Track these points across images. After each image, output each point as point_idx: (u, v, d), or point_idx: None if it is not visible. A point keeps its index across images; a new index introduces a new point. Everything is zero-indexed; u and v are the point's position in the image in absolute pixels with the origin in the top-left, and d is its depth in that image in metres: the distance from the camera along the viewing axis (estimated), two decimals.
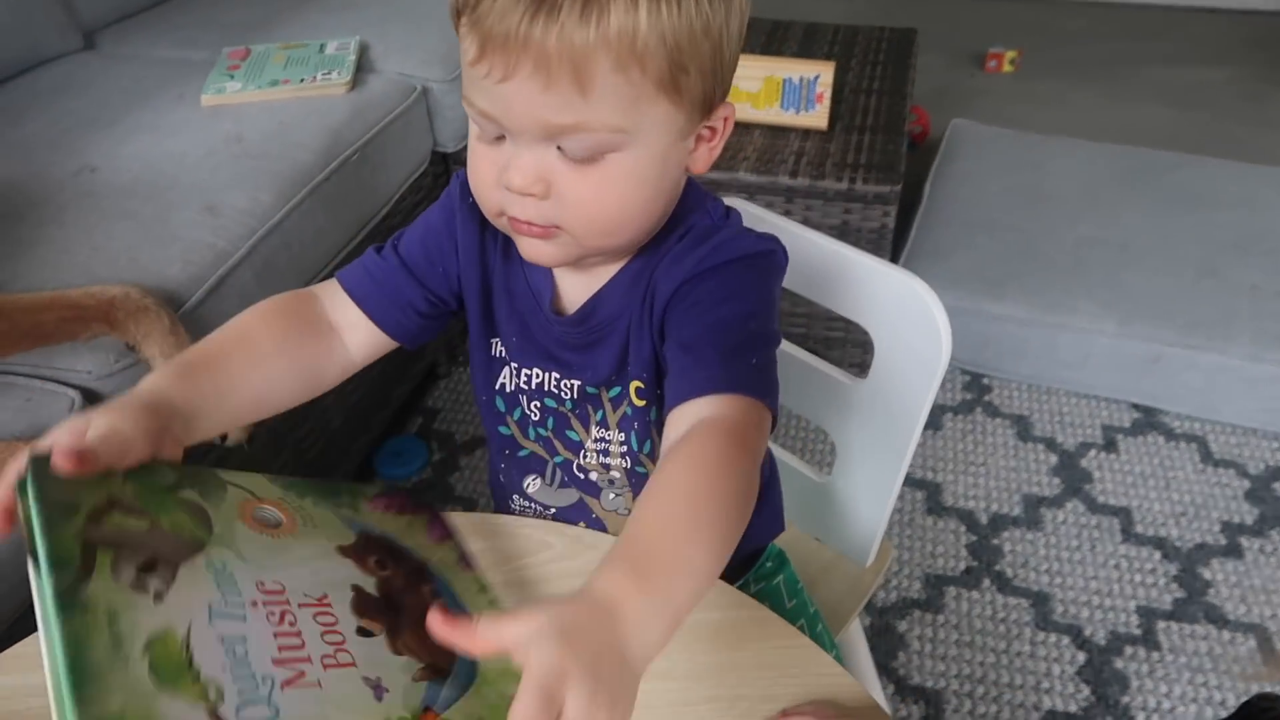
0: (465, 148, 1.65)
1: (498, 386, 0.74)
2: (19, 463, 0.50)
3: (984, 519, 1.55)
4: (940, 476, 1.62)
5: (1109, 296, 1.72)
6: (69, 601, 0.45)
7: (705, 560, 0.51)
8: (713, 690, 0.62)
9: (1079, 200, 1.98)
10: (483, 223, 0.68)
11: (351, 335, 0.70)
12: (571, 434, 0.73)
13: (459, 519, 0.71)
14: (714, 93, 0.59)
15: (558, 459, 0.75)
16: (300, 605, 0.54)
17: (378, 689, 0.53)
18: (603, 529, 0.76)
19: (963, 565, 1.48)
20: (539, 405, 0.73)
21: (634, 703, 0.45)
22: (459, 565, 0.66)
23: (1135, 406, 1.74)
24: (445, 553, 0.66)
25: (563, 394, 0.71)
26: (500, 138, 0.57)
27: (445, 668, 0.57)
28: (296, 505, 0.61)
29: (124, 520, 0.51)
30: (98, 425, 0.53)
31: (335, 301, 0.70)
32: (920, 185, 2.04)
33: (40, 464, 0.50)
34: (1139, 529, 1.52)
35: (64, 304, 1.02)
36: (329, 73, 1.51)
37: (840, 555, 1.02)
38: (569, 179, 0.57)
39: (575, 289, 0.68)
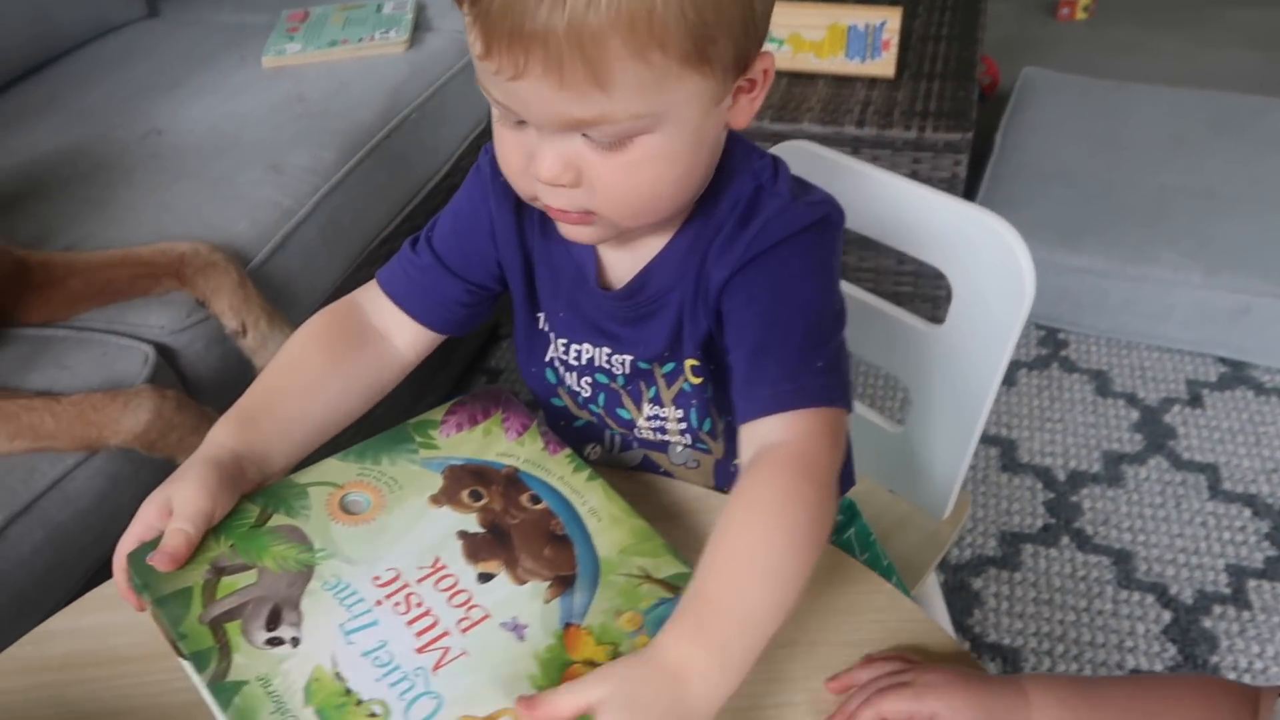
0: None
1: (547, 359, 0.72)
2: (121, 562, 0.56)
3: (1062, 476, 1.50)
4: (1015, 433, 1.57)
5: (1194, 246, 1.64)
6: (223, 687, 0.49)
7: (770, 608, 0.52)
8: (790, 634, 0.60)
9: (1160, 148, 1.89)
10: (517, 200, 0.65)
11: (400, 336, 0.69)
12: (623, 412, 0.70)
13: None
14: (749, 50, 0.54)
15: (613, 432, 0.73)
16: (419, 580, 0.56)
17: (517, 629, 0.54)
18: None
19: (1040, 522, 1.43)
20: (590, 381, 0.70)
21: None
22: (546, 451, 0.65)
23: (1222, 360, 1.67)
24: (530, 446, 0.65)
25: (614, 369, 0.68)
26: (523, 122, 0.54)
27: (570, 573, 0.58)
28: (376, 473, 0.62)
29: (234, 582, 0.54)
30: (182, 514, 0.55)
31: (378, 306, 0.69)
32: (990, 136, 1.97)
33: (139, 561, 0.54)
34: (1227, 486, 1.46)
35: (136, 261, 1.03)
36: (387, 32, 1.50)
37: (916, 508, 0.99)
38: (598, 166, 0.54)
39: (620, 263, 0.66)
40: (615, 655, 0.53)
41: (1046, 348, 1.72)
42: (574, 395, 0.72)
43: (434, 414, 0.66)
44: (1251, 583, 1.33)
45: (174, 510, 0.56)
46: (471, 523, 0.59)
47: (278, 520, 0.58)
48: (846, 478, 0.85)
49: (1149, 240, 1.67)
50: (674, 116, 0.53)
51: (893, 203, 0.85)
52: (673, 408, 0.69)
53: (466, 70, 1.52)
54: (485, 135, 1.62)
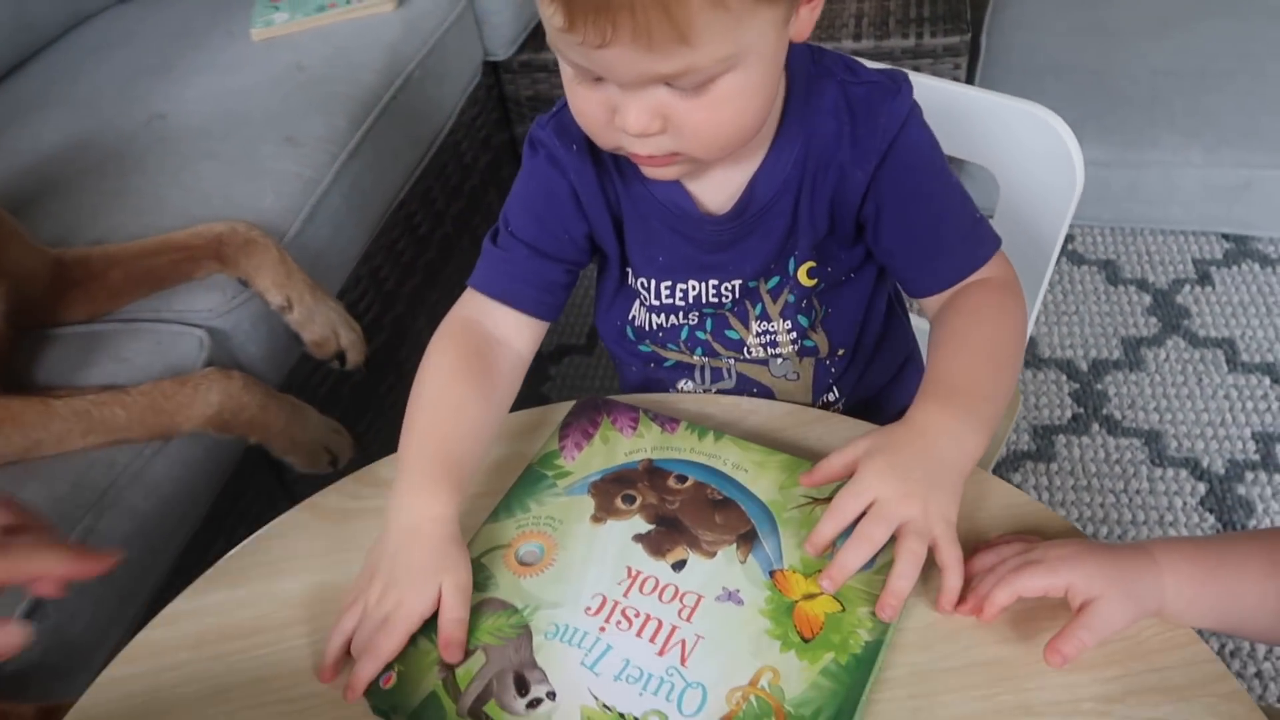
0: (515, 55, 1.62)
1: (634, 311, 0.74)
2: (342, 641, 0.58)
3: (1084, 366, 1.54)
4: (1033, 330, 1.60)
5: (1192, 125, 1.66)
6: None
7: (997, 386, 0.62)
8: None
9: (1149, 31, 1.89)
10: (595, 160, 0.67)
11: (518, 339, 0.69)
12: (731, 334, 0.73)
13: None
14: None
15: (708, 360, 0.75)
16: (624, 594, 0.58)
17: (733, 597, 0.57)
18: (770, 397, 0.76)
19: (1069, 413, 1.47)
20: (697, 314, 0.72)
21: (957, 498, 0.58)
22: (666, 432, 0.67)
23: (1225, 237, 1.70)
24: (650, 435, 0.67)
25: (722, 298, 0.70)
26: (600, 79, 0.55)
27: (748, 529, 0.60)
28: (533, 519, 0.63)
29: (468, 671, 0.56)
30: (454, 602, 0.57)
31: (491, 315, 0.69)
32: (976, 38, 1.96)
33: (377, 691, 0.55)
34: (1245, 357, 1.50)
35: (174, 246, 1.03)
36: None
37: None
38: (683, 110, 0.55)
39: (712, 190, 0.67)
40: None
41: None
42: (674, 333, 0.73)
43: (550, 444, 0.67)
44: (1279, 446, 1.38)
45: (445, 599, 0.57)
46: (639, 524, 0.62)
47: (474, 600, 0.58)
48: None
49: (1147, 125, 1.69)
50: (751, 51, 0.54)
51: (933, 103, 0.86)
52: (780, 320, 0.71)
53: (460, 22, 1.50)
54: (482, 86, 1.61)
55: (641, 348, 0.76)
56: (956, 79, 1.57)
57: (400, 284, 1.39)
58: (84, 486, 0.86)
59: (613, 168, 0.67)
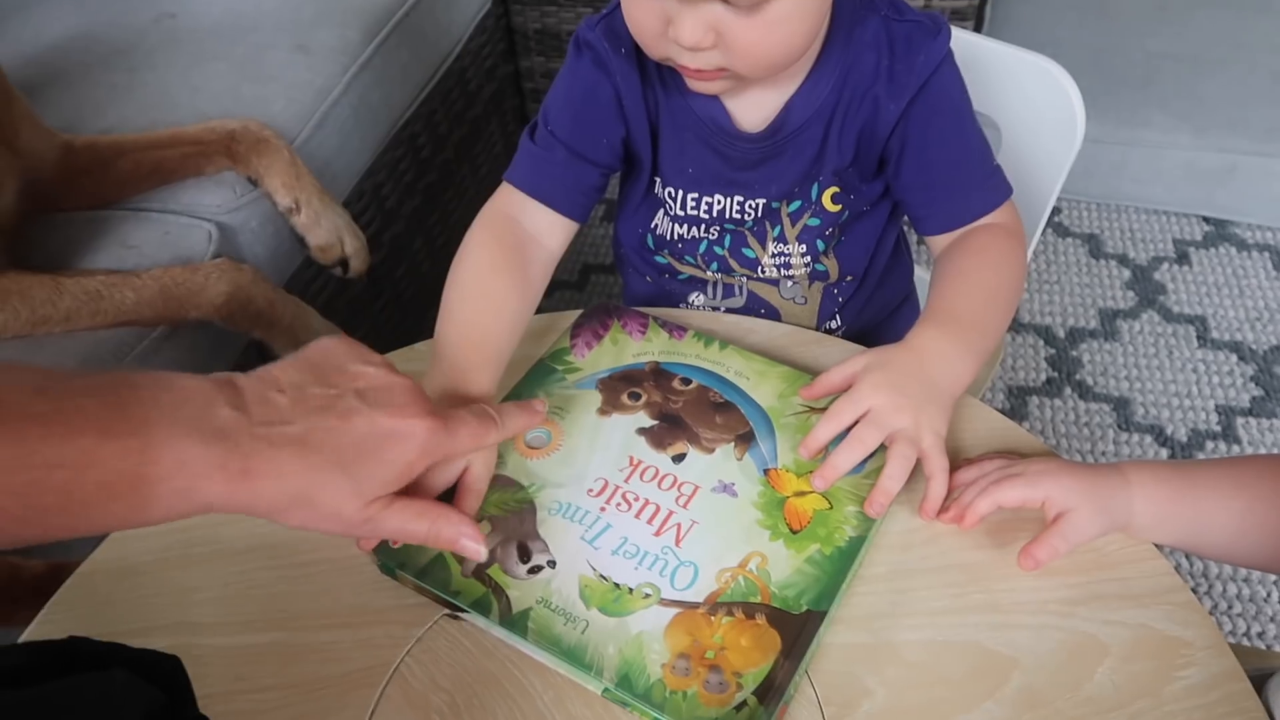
0: None
1: (657, 220, 0.76)
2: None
3: (1061, 333, 1.58)
4: None
5: (1183, 108, 1.70)
6: (513, 620, 0.54)
7: (993, 320, 0.66)
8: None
9: (1146, 14, 1.93)
10: (641, 67, 0.69)
11: (551, 237, 0.72)
12: (748, 252, 0.76)
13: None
14: None
15: (722, 274, 0.77)
16: (626, 480, 0.61)
17: (728, 489, 0.61)
18: (777, 318, 0.79)
19: (1043, 376, 1.52)
20: (718, 229, 0.75)
21: (947, 415, 0.61)
22: (673, 339, 0.70)
23: (1206, 220, 1.75)
24: (657, 340, 0.70)
25: (745, 215, 0.73)
26: None
27: (746, 430, 0.64)
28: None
29: None
30: (481, 464, 0.59)
31: (527, 211, 0.71)
32: (982, 7, 1.99)
33: (385, 547, 0.58)
34: (1214, 335, 1.56)
35: (185, 140, 1.03)
36: None
37: None
38: (736, 27, 0.57)
39: (749, 109, 0.69)
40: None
41: None
42: (693, 245, 0.76)
43: (561, 342, 0.70)
44: (1240, 420, 1.43)
45: (472, 472, 0.58)
46: (643, 419, 0.65)
47: None
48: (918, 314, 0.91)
49: (1140, 104, 1.72)
50: None
51: None
52: (796, 244, 0.73)
53: None
54: (491, 15, 1.61)
55: (658, 258, 0.79)
56: None
57: (400, 203, 1.40)
58: (90, 363, 0.87)
59: (655, 77, 0.70)
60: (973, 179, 0.70)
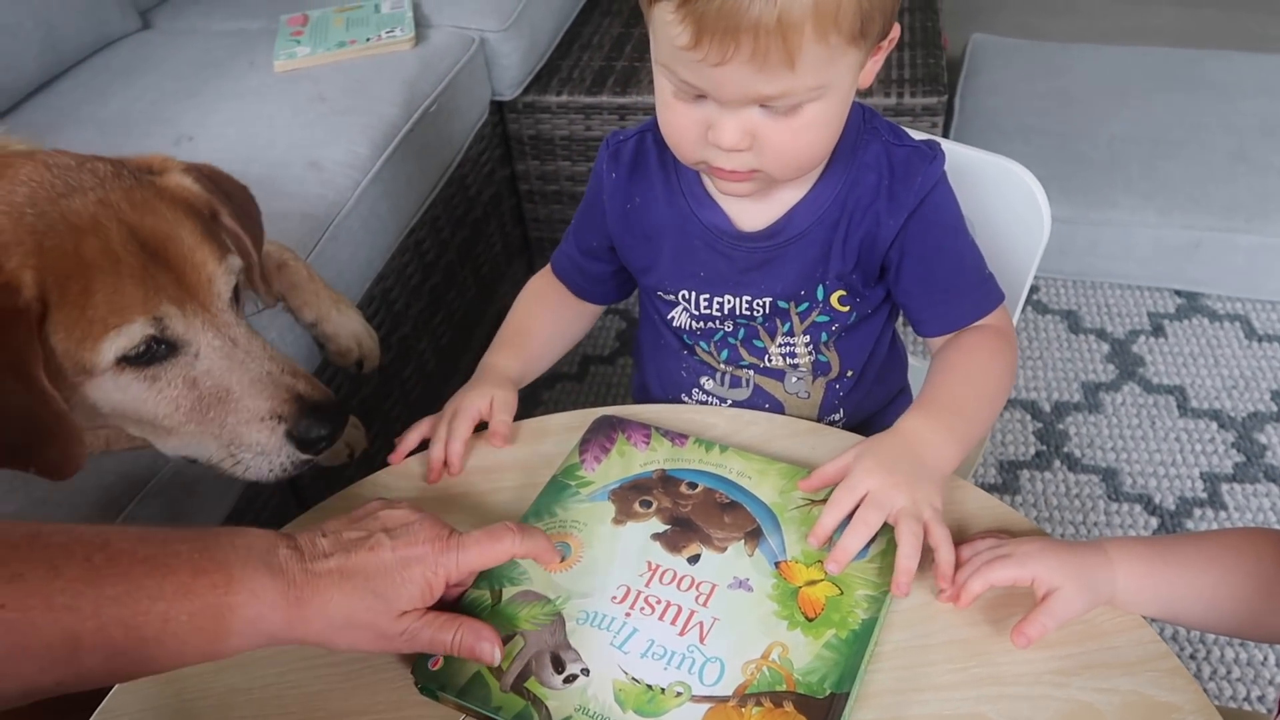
0: (520, 96, 1.72)
1: (670, 317, 0.83)
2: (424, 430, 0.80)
3: (1047, 407, 1.64)
4: None
5: (1148, 188, 1.79)
6: None
7: (978, 410, 0.72)
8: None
9: (1108, 101, 2.04)
10: (629, 187, 0.79)
11: (584, 302, 0.90)
12: (758, 343, 0.82)
13: (624, 411, 0.80)
14: (890, 23, 0.65)
15: (730, 364, 0.83)
16: (646, 584, 0.65)
17: (743, 585, 0.65)
18: (781, 411, 0.84)
19: (1032, 450, 1.57)
20: (731, 323, 0.81)
21: (940, 491, 0.66)
22: (676, 446, 0.74)
23: (1178, 293, 1.82)
24: (661, 449, 0.74)
25: (755, 312, 0.79)
26: (701, 96, 0.64)
27: (754, 527, 0.68)
28: (560, 523, 0.70)
29: (509, 652, 0.62)
30: (503, 408, 0.78)
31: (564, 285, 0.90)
32: (950, 101, 2.09)
33: (424, 671, 0.61)
34: (1194, 404, 1.61)
35: None
36: (392, 30, 1.56)
37: None
38: (770, 130, 0.64)
39: (753, 214, 0.76)
40: (824, 569, 0.64)
41: None
42: (709, 334, 0.82)
43: (571, 458, 0.75)
44: (1224, 486, 1.48)
45: (495, 404, 0.77)
46: (656, 525, 0.69)
47: (509, 592, 0.65)
48: (907, 399, 0.96)
49: (1106, 186, 1.81)
50: (835, 85, 0.64)
51: None
52: (803, 336, 0.80)
53: (472, 62, 1.59)
54: (488, 124, 1.70)
55: (676, 344, 0.86)
56: (933, 137, 1.69)
57: (408, 305, 1.46)
58: (129, 477, 0.92)
59: (661, 194, 0.78)
60: (966, 286, 0.76)
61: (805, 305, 0.78)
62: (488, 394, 0.78)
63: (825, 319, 0.79)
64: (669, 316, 0.83)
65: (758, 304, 0.78)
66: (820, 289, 0.77)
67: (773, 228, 0.75)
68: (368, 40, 1.55)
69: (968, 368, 0.74)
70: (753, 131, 0.64)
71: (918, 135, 0.92)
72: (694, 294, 0.80)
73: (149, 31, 1.75)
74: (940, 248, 0.75)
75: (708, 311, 0.80)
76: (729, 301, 0.79)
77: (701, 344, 0.83)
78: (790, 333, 0.80)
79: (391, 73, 1.48)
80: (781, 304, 0.78)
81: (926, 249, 0.75)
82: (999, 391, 0.74)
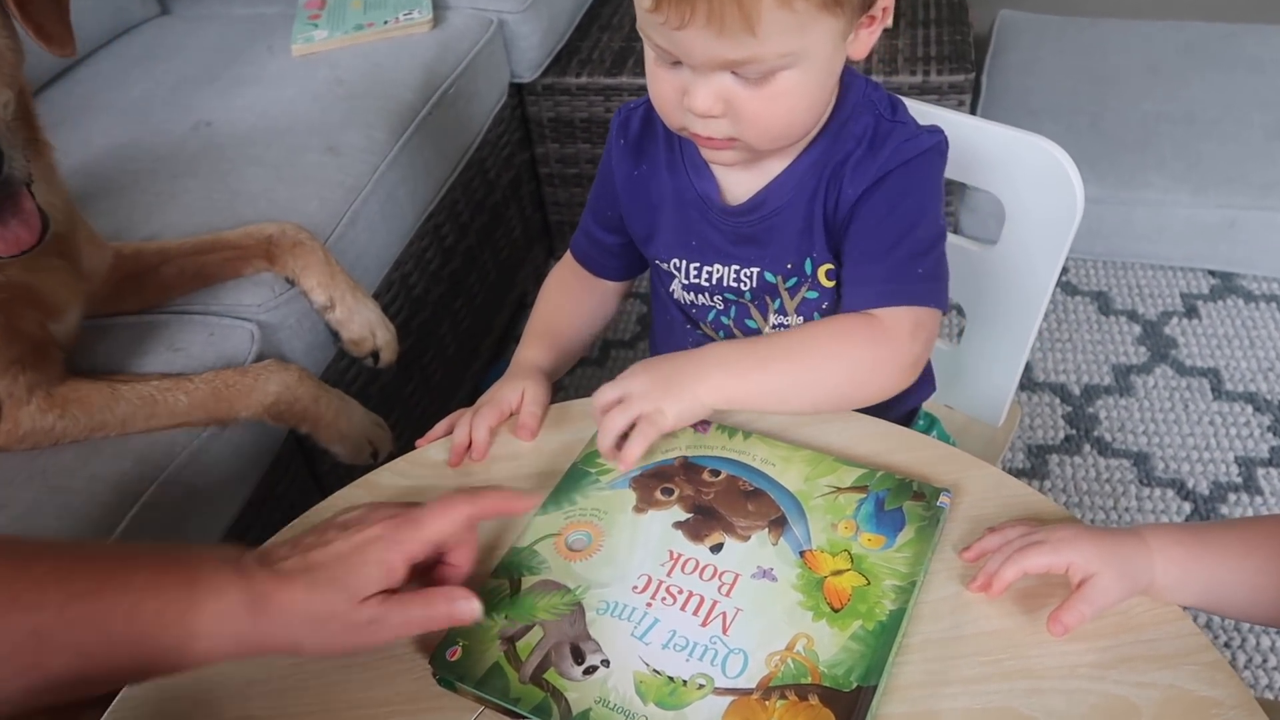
0: (539, 78, 1.70)
1: (670, 289, 0.83)
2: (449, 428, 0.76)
3: (1076, 390, 1.61)
4: (1029, 355, 1.66)
5: (1181, 168, 1.75)
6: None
7: (785, 375, 0.70)
8: None
9: (1140, 78, 1.99)
10: (636, 155, 0.78)
11: (604, 281, 0.90)
12: (751, 323, 0.80)
13: None
14: None
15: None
16: (668, 574, 0.63)
17: (767, 574, 0.63)
18: None
19: (1062, 434, 1.54)
20: (721, 299, 0.80)
21: (688, 414, 0.68)
22: (699, 434, 0.73)
23: (1211, 273, 1.78)
24: (684, 436, 0.73)
25: (742, 285, 0.78)
26: (677, 63, 0.64)
27: (778, 515, 0.66)
28: (579, 511, 0.68)
29: (528, 644, 0.60)
30: (534, 401, 0.76)
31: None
32: (978, 79, 2.05)
33: (444, 662, 0.60)
34: (1229, 386, 1.58)
35: (226, 245, 1.08)
36: (410, 13, 1.55)
37: (972, 419, 1.08)
38: (744, 98, 0.63)
39: (740, 185, 0.75)
40: (851, 558, 0.63)
41: None
42: (705, 311, 0.81)
43: (591, 446, 0.73)
44: (1260, 471, 1.45)
45: (526, 397, 0.76)
46: (678, 513, 0.67)
47: (529, 582, 0.64)
48: (928, 385, 0.94)
49: (1138, 166, 1.77)
50: (811, 53, 0.62)
51: (949, 135, 0.93)
52: (795, 315, 0.78)
53: (490, 44, 1.58)
54: (507, 107, 1.68)
55: (681, 318, 0.85)
56: None
57: (427, 290, 1.45)
58: (147, 463, 0.91)
59: (664, 162, 0.77)
60: (892, 271, 0.71)
61: (794, 280, 0.77)
62: (519, 387, 0.77)
63: (815, 295, 0.77)
64: (670, 289, 0.83)
65: (745, 275, 0.77)
66: (808, 263, 0.76)
67: (754, 200, 0.74)
68: (385, 23, 1.53)
69: (812, 334, 0.72)
70: (726, 98, 0.64)
71: (947, 113, 0.91)
72: (685, 263, 0.80)
73: (168, 17, 1.75)
74: (880, 228, 0.71)
75: (698, 281, 0.79)
76: (718, 271, 0.78)
77: (702, 322, 0.83)
78: (782, 311, 0.79)
79: (409, 55, 1.47)
80: (769, 278, 0.77)
81: (867, 226, 0.71)
82: (830, 376, 0.70)
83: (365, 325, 1.13)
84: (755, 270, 0.76)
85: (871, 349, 0.70)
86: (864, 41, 0.66)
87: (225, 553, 0.56)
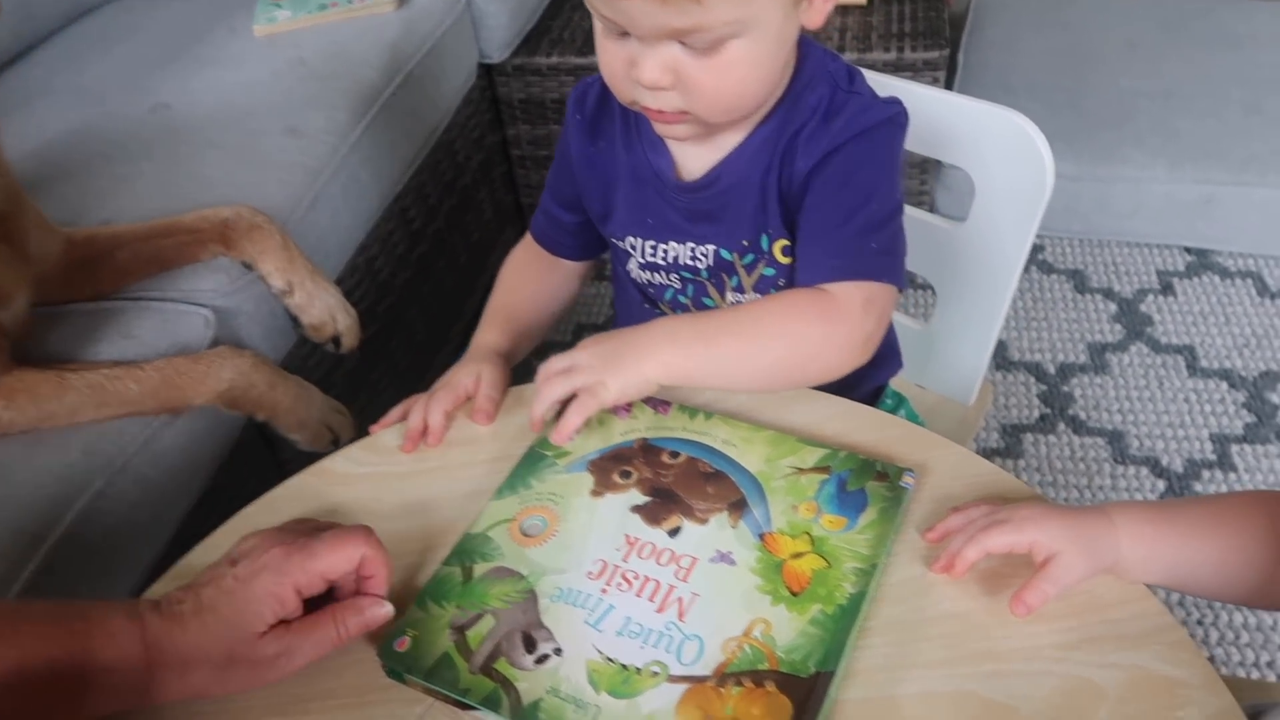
0: (509, 59, 1.67)
1: (628, 267, 0.80)
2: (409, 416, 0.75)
3: (1051, 369, 1.60)
4: (1004, 334, 1.67)
5: (1158, 143, 1.74)
6: (524, 712, 0.54)
7: (730, 351, 0.67)
8: None
9: (1118, 54, 1.98)
10: (592, 131, 0.76)
11: (565, 261, 0.88)
12: (709, 301, 0.79)
13: None
14: None
15: None
16: (624, 559, 0.62)
17: (725, 558, 0.61)
18: None
19: (1036, 413, 1.53)
20: (678, 277, 0.78)
21: (631, 389, 0.66)
22: (659, 414, 0.71)
23: (1187, 250, 1.77)
24: (643, 417, 0.71)
25: (699, 263, 0.76)
26: (625, 33, 0.62)
27: (738, 498, 0.65)
28: (535, 495, 0.67)
29: (478, 633, 0.59)
30: (491, 384, 0.74)
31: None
32: (954, 56, 2.04)
33: (390, 651, 0.58)
34: (1204, 363, 1.57)
35: (181, 229, 1.06)
36: None
37: (943, 398, 1.07)
38: (693, 68, 0.61)
39: (694, 160, 0.73)
40: (811, 541, 0.61)
41: None
42: (662, 290, 0.80)
43: (549, 429, 0.70)
44: (1234, 447, 1.44)
45: (483, 381, 0.74)
46: (636, 496, 0.65)
47: (481, 569, 0.62)
48: (894, 361, 0.93)
49: (1116, 142, 1.76)
50: (760, 22, 0.60)
51: (915, 108, 0.91)
52: (752, 293, 0.76)
53: (458, 24, 1.55)
54: (476, 88, 1.65)
55: (639, 297, 0.83)
56: None
57: (394, 275, 1.42)
58: (95, 454, 0.89)
59: (619, 136, 0.75)
60: (843, 246, 0.68)
61: (751, 257, 0.75)
62: (475, 371, 0.75)
63: (772, 272, 0.75)
64: (628, 268, 0.81)
65: (701, 252, 0.75)
66: (765, 239, 0.74)
67: (708, 176, 0.72)
68: (350, 2, 1.50)
69: (762, 310, 0.69)
70: (674, 69, 0.62)
71: (916, 87, 0.89)
72: (641, 241, 0.78)
73: None
74: (834, 200, 0.68)
75: (654, 260, 0.78)
76: (674, 249, 0.76)
77: (660, 301, 0.81)
78: (739, 288, 0.77)
79: (374, 36, 1.43)
80: (725, 255, 0.75)
81: (820, 198, 0.69)
82: (777, 352, 0.68)
83: (325, 310, 1.11)
84: (711, 248, 0.75)
85: (821, 325, 0.67)
86: (818, 10, 0.64)
87: (120, 601, 0.55)
